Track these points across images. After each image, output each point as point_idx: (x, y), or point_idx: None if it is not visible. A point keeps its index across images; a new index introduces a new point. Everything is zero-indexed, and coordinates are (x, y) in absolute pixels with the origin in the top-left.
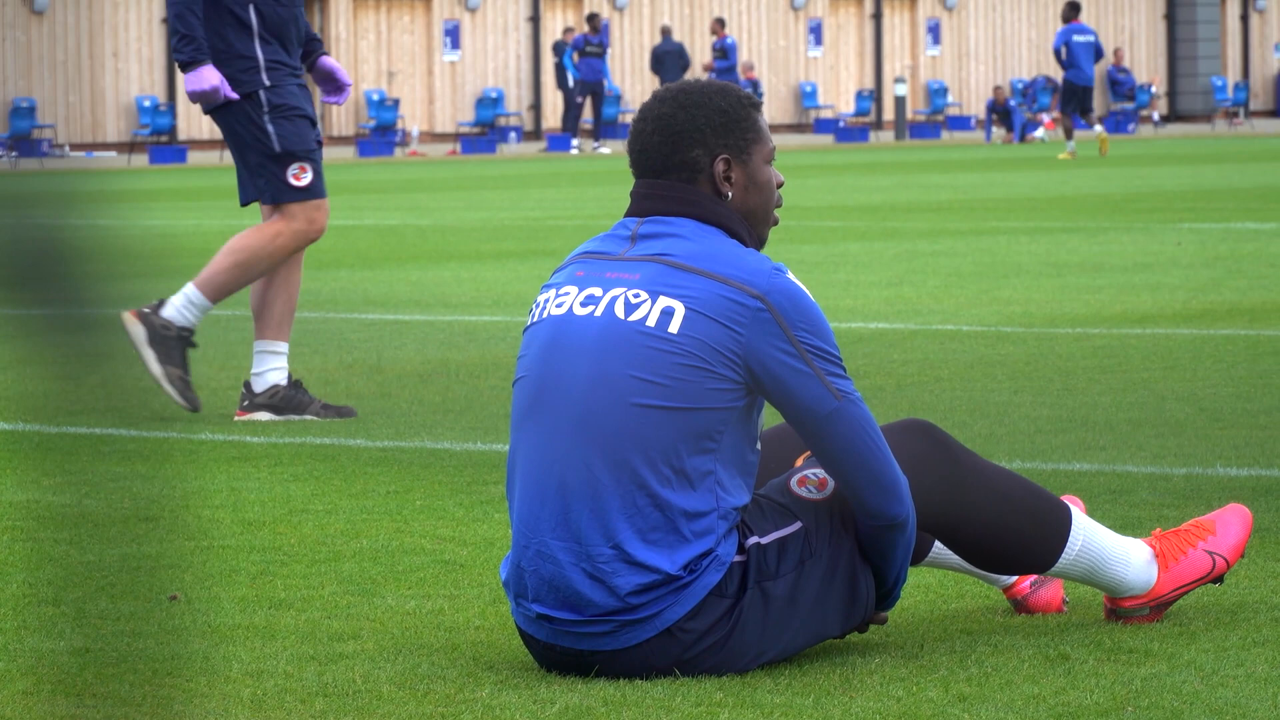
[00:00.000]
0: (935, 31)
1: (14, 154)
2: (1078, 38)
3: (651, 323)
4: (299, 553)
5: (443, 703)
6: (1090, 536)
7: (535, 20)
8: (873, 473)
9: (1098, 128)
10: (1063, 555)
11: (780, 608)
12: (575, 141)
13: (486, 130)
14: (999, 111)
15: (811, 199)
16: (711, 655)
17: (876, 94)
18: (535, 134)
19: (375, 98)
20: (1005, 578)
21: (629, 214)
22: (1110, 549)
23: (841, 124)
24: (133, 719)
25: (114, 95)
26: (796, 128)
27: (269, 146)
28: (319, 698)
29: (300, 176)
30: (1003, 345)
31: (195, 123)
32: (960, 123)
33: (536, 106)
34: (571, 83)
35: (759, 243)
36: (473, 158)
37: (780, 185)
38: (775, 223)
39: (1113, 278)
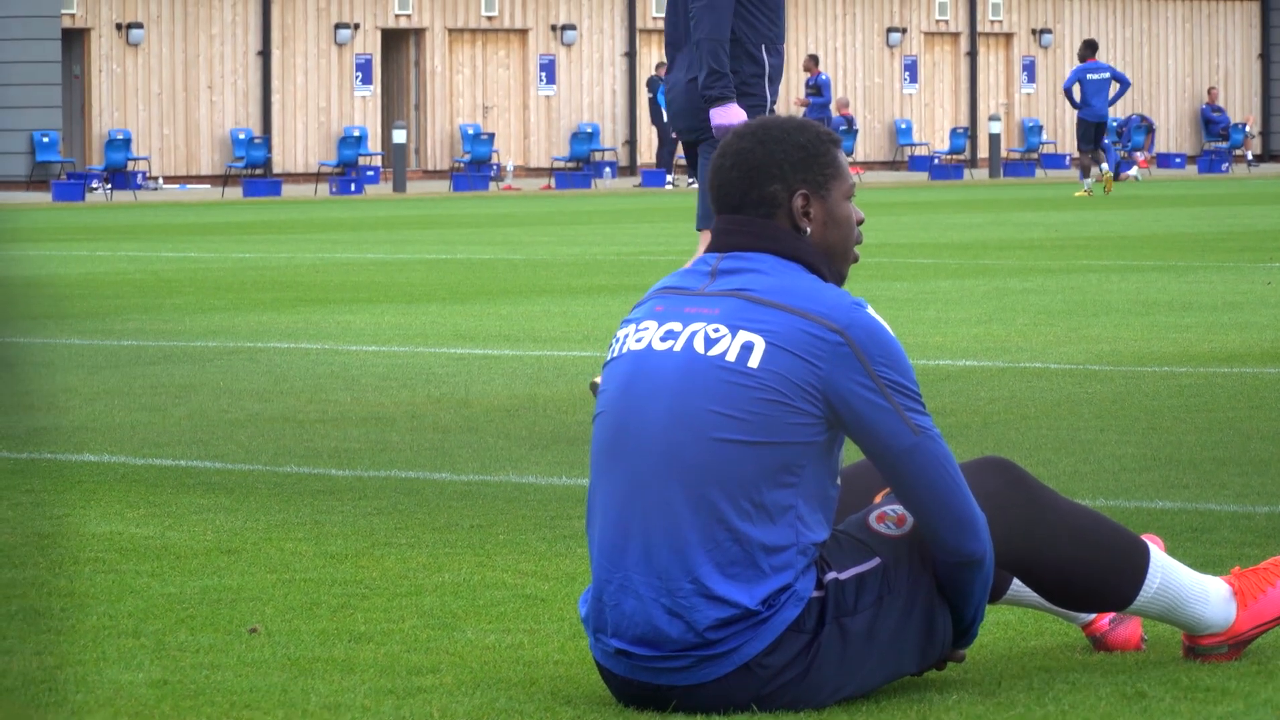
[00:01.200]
0: (1030, 69)
1: (109, 186)
2: (1091, 76)
3: (731, 357)
4: (380, 586)
5: None
6: (1169, 574)
7: (631, 55)
8: (950, 509)
9: (1104, 166)
10: (1140, 593)
11: (858, 644)
12: (670, 177)
13: (581, 165)
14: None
15: (904, 236)
16: (789, 691)
17: (971, 131)
18: (630, 169)
19: (470, 132)
20: (1084, 615)
21: (710, 249)
22: (1189, 587)
23: (936, 161)
24: None
25: (209, 127)
26: (891, 165)
27: None
28: None
29: None
30: (1090, 383)
31: (290, 155)
32: (1055, 160)
33: (632, 142)
34: (666, 118)
35: (839, 279)
36: (567, 193)
37: (861, 222)
38: (855, 260)
39: (1201, 316)
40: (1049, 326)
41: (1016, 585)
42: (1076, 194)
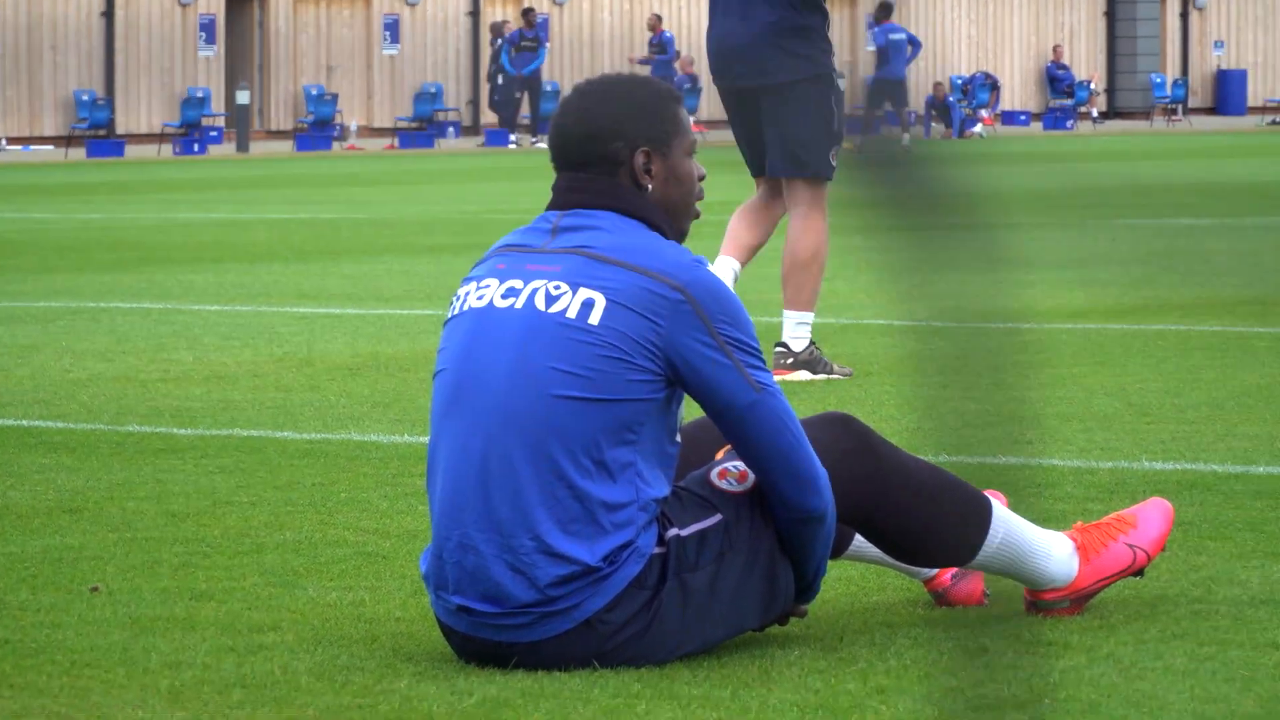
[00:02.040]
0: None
1: None
2: (893, 36)
3: (572, 314)
4: (222, 544)
5: (361, 694)
6: (1011, 530)
7: (475, 15)
8: (792, 465)
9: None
10: (983, 548)
11: (699, 600)
12: (513, 136)
13: (425, 125)
14: (938, 108)
15: (748, 193)
16: (630, 647)
17: None
18: (474, 129)
19: (314, 92)
20: (926, 570)
21: (550, 207)
22: (1031, 542)
23: None
24: (50, 710)
25: (52, 88)
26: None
27: (831, 125)
28: (237, 688)
29: (834, 157)
30: (934, 340)
31: (133, 116)
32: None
33: (475, 101)
34: (505, 77)
35: (680, 236)
36: (410, 152)
37: (702, 179)
38: (697, 216)
39: (1046, 273)
40: (892, 283)
41: (859, 540)
42: None
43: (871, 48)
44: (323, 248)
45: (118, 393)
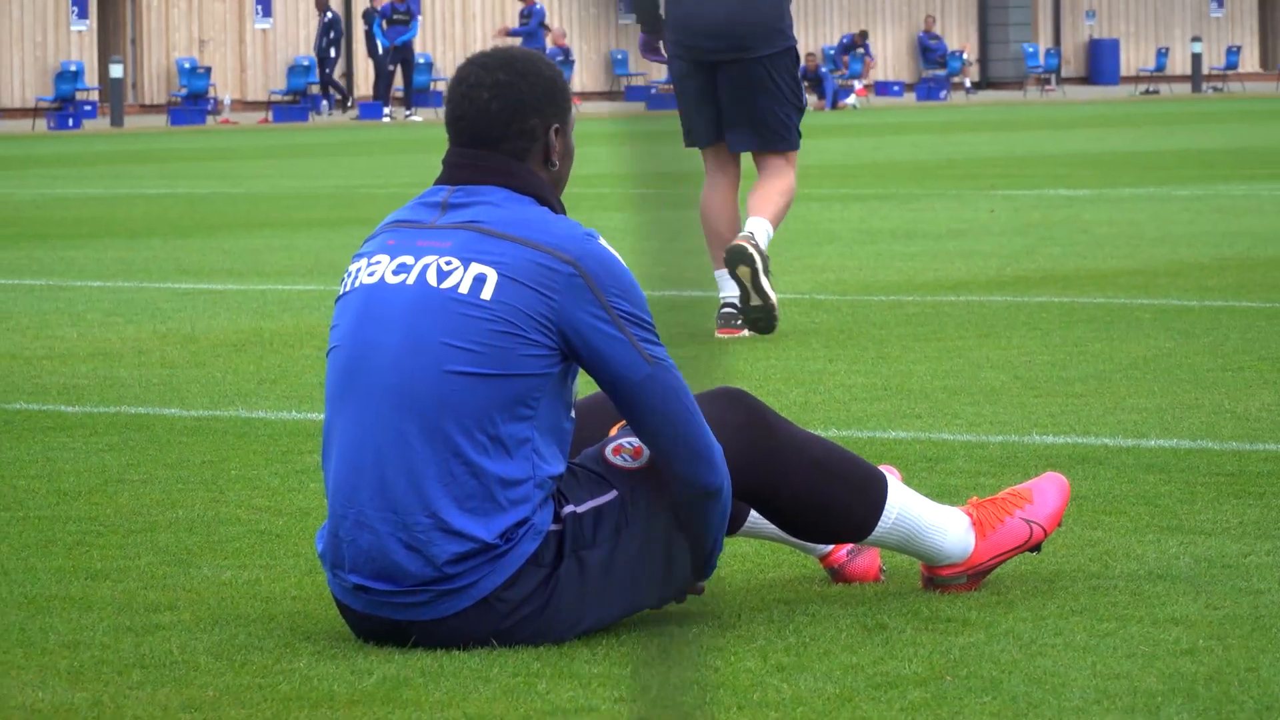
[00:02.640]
0: None
1: None
2: None
3: (464, 289)
4: (115, 523)
5: (260, 673)
6: (906, 505)
7: None
8: (686, 440)
9: None
10: (879, 524)
11: (597, 577)
12: (387, 109)
13: (299, 98)
14: (811, 78)
15: (622, 166)
16: (528, 625)
17: None
18: (348, 102)
19: (186, 65)
20: (822, 546)
21: (439, 181)
22: (927, 518)
23: (653, 91)
24: None
25: None
26: (608, 95)
27: (799, 100)
28: (136, 669)
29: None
30: (816, 313)
31: (5, 90)
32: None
33: (348, 74)
34: (381, 50)
35: (562, 209)
36: (285, 126)
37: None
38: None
39: (926, 245)
40: (772, 255)
41: (754, 517)
42: None
43: None
44: (201, 223)
45: (3, 370)
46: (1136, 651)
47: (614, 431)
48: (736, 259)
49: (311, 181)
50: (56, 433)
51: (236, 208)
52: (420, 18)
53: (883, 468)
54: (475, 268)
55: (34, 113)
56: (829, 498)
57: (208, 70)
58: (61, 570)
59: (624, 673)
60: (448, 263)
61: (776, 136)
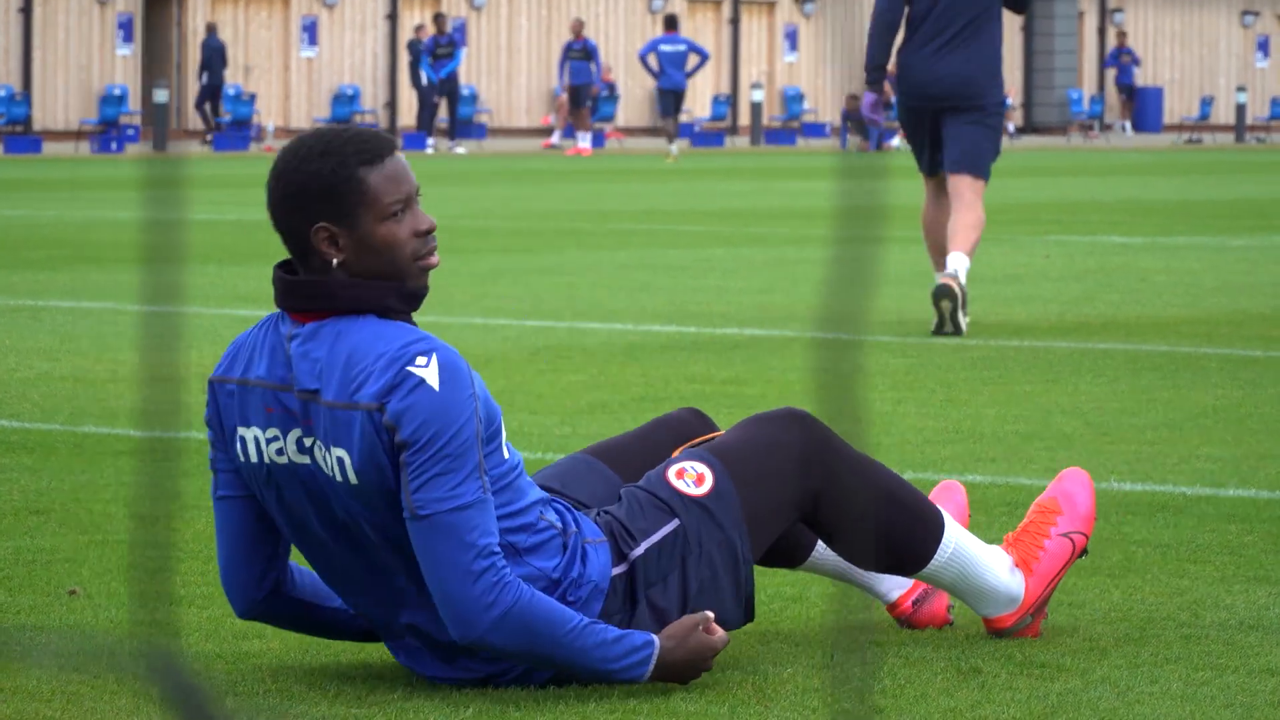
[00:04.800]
0: (793, 38)
1: None
2: (665, 47)
3: (340, 477)
4: (194, 549)
5: (354, 703)
6: (961, 543)
7: (393, 18)
8: (436, 590)
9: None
10: (935, 557)
11: (675, 614)
12: (431, 140)
13: None
14: (855, 120)
15: (672, 203)
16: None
17: (733, 99)
18: (390, 132)
19: (231, 92)
20: (887, 592)
21: (278, 302)
22: (979, 556)
23: (697, 128)
24: (45, 715)
25: None
26: (652, 131)
27: (998, 144)
28: (230, 696)
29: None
30: (881, 355)
31: (50, 113)
32: (815, 130)
33: (392, 104)
34: (426, 83)
35: (413, 296)
36: None
37: (429, 230)
38: (430, 266)
39: (985, 289)
40: (834, 298)
41: (818, 552)
42: (667, 161)
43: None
44: (254, 250)
45: (69, 393)
46: (1234, 701)
47: (677, 454)
48: (942, 294)
49: None
50: (128, 456)
51: (172, 235)
52: (464, 49)
53: (944, 489)
54: (336, 450)
55: (77, 135)
56: (890, 525)
57: (252, 97)
58: (145, 595)
59: (722, 711)
60: (320, 448)
61: (975, 164)
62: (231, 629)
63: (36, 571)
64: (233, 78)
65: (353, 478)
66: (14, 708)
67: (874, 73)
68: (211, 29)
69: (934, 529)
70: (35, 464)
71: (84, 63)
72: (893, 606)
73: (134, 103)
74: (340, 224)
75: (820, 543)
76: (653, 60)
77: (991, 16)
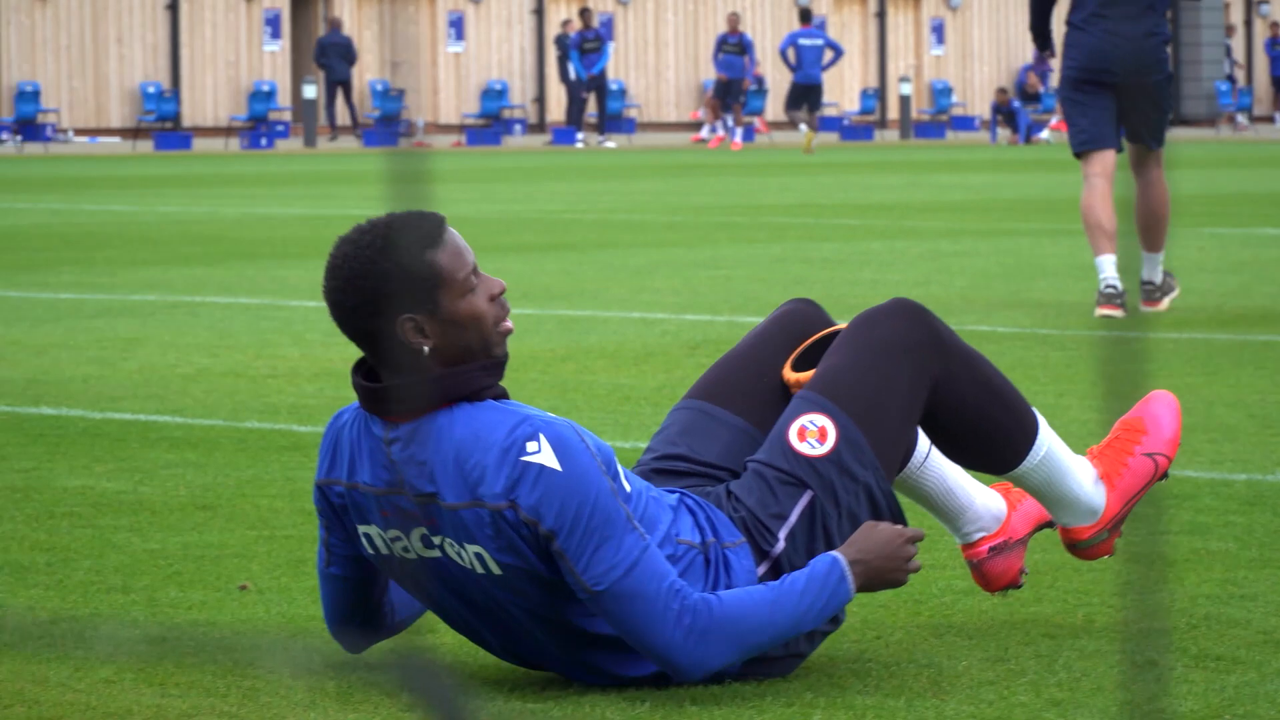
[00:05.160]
0: (939, 31)
1: (19, 138)
2: (804, 41)
3: (480, 569)
4: None
5: (534, 699)
6: (1053, 447)
7: (539, 13)
8: (644, 649)
9: (803, 127)
10: (1028, 458)
11: None
12: (580, 135)
13: (491, 122)
14: (1004, 112)
15: (825, 196)
16: (793, 662)
17: (881, 93)
18: (539, 127)
19: (379, 88)
20: (970, 532)
21: (366, 408)
22: (1068, 464)
23: (846, 122)
24: (221, 710)
25: (118, 80)
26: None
27: (1168, 113)
28: (406, 692)
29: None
30: (1040, 347)
31: (199, 109)
32: (964, 123)
33: (540, 99)
34: (574, 77)
35: (499, 365)
36: (478, 150)
37: (502, 292)
38: (508, 331)
39: (1137, 281)
40: (988, 289)
41: (908, 472)
42: (805, 141)
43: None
44: None
45: (230, 388)
46: None
47: (788, 369)
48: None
49: (512, 206)
50: (292, 452)
51: None
52: (612, 44)
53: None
54: (471, 548)
55: (226, 132)
56: (990, 419)
57: (401, 93)
58: (313, 591)
59: (899, 704)
60: (451, 544)
61: (1155, 136)
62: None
63: (206, 567)
64: (379, 73)
65: (495, 569)
66: (190, 703)
67: (1039, 38)
68: (334, 25)
69: (1030, 430)
70: (200, 459)
71: (232, 59)
72: (968, 547)
73: (282, 99)
74: (422, 311)
75: (909, 465)
76: (791, 54)
77: None
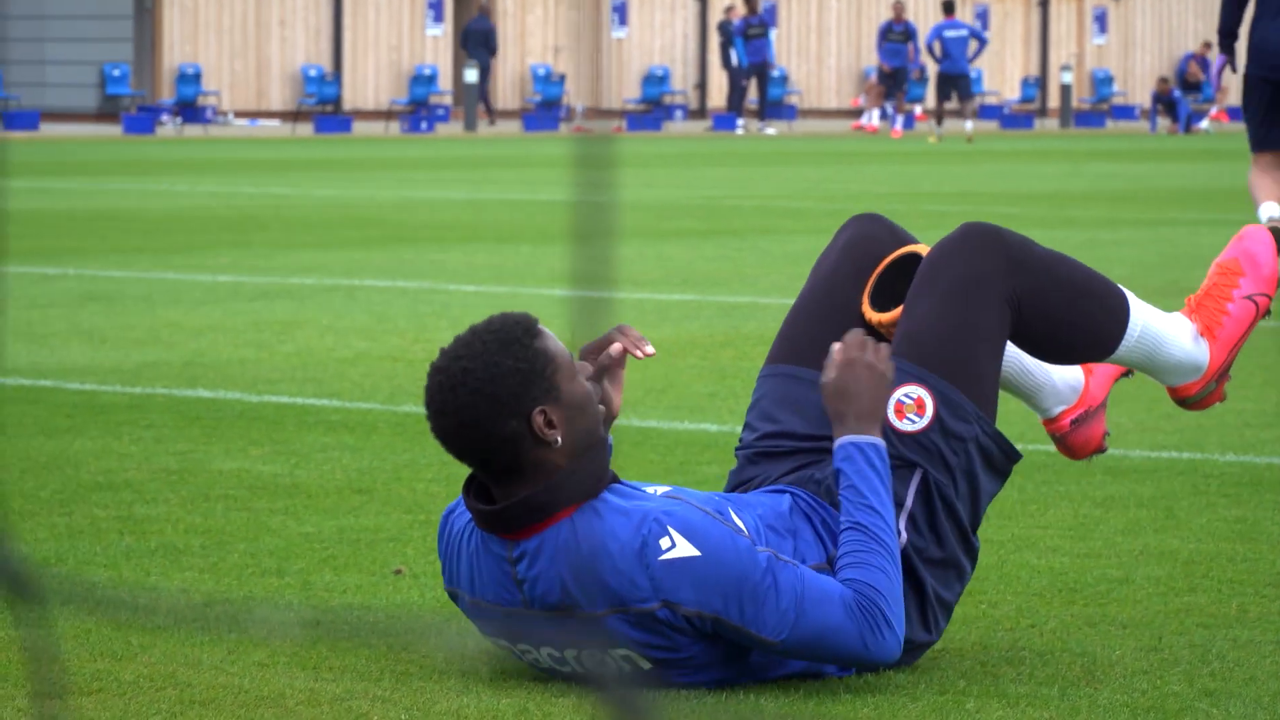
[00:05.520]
0: (1102, 20)
1: (179, 119)
2: (949, 33)
3: (627, 667)
4: None
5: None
6: (1149, 320)
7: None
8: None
9: (932, 123)
10: (1124, 341)
11: (965, 560)
12: (741, 121)
13: (652, 108)
14: (1164, 102)
15: (984, 184)
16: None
17: (1042, 81)
18: (700, 113)
19: (541, 72)
20: (1050, 407)
21: (485, 529)
22: (1164, 331)
23: (1006, 110)
24: (374, 694)
25: (279, 63)
26: (960, 114)
27: None
28: (558, 679)
29: None
30: None
31: (360, 93)
32: (1124, 112)
33: (702, 85)
34: (735, 63)
35: (605, 444)
36: (638, 135)
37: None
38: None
39: None
40: (1147, 278)
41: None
42: (930, 140)
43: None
44: (568, 230)
45: (388, 372)
46: None
47: (868, 308)
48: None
49: (673, 191)
50: None
51: (602, 215)
52: (775, 30)
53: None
54: (614, 653)
55: (387, 115)
56: (1080, 316)
57: (562, 77)
58: None
59: (1052, 693)
60: (584, 655)
61: None
62: None
63: (361, 551)
64: (541, 57)
65: (644, 664)
66: (344, 687)
67: (1224, 39)
68: (484, 11)
69: (1121, 314)
70: (357, 443)
71: (394, 43)
72: (1050, 421)
73: (443, 82)
74: (549, 400)
75: None
76: (937, 46)
77: None
